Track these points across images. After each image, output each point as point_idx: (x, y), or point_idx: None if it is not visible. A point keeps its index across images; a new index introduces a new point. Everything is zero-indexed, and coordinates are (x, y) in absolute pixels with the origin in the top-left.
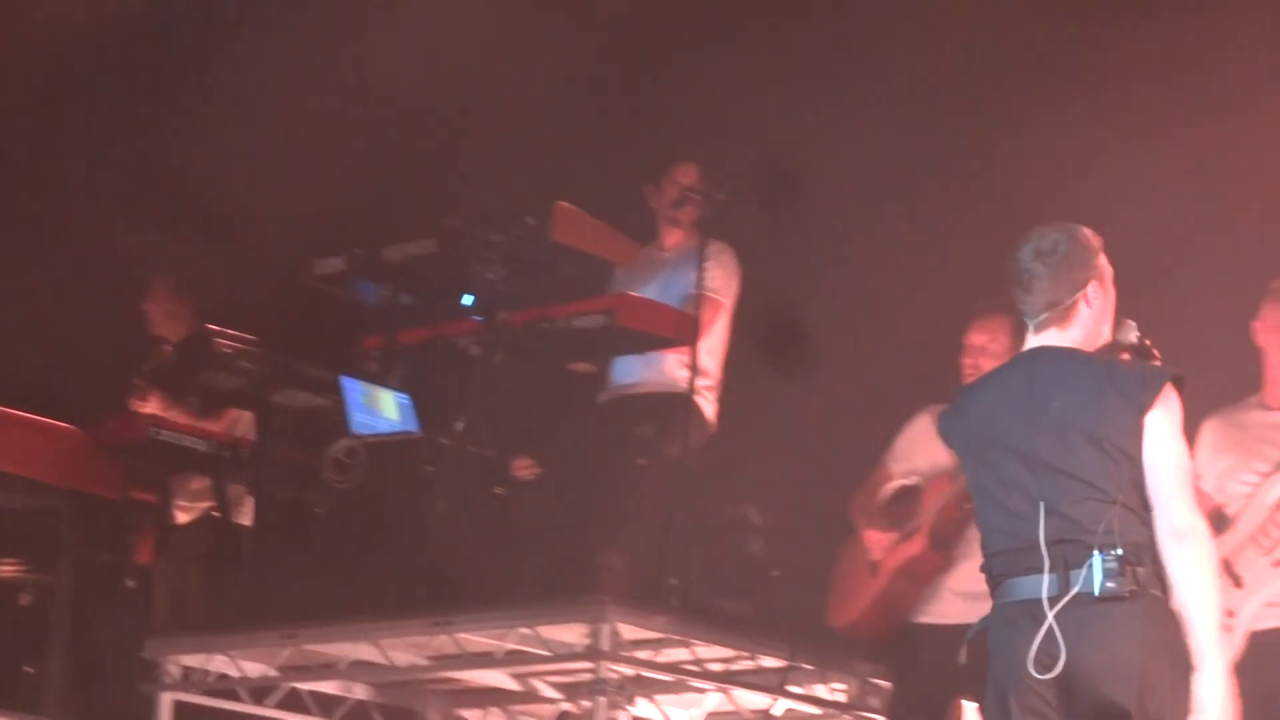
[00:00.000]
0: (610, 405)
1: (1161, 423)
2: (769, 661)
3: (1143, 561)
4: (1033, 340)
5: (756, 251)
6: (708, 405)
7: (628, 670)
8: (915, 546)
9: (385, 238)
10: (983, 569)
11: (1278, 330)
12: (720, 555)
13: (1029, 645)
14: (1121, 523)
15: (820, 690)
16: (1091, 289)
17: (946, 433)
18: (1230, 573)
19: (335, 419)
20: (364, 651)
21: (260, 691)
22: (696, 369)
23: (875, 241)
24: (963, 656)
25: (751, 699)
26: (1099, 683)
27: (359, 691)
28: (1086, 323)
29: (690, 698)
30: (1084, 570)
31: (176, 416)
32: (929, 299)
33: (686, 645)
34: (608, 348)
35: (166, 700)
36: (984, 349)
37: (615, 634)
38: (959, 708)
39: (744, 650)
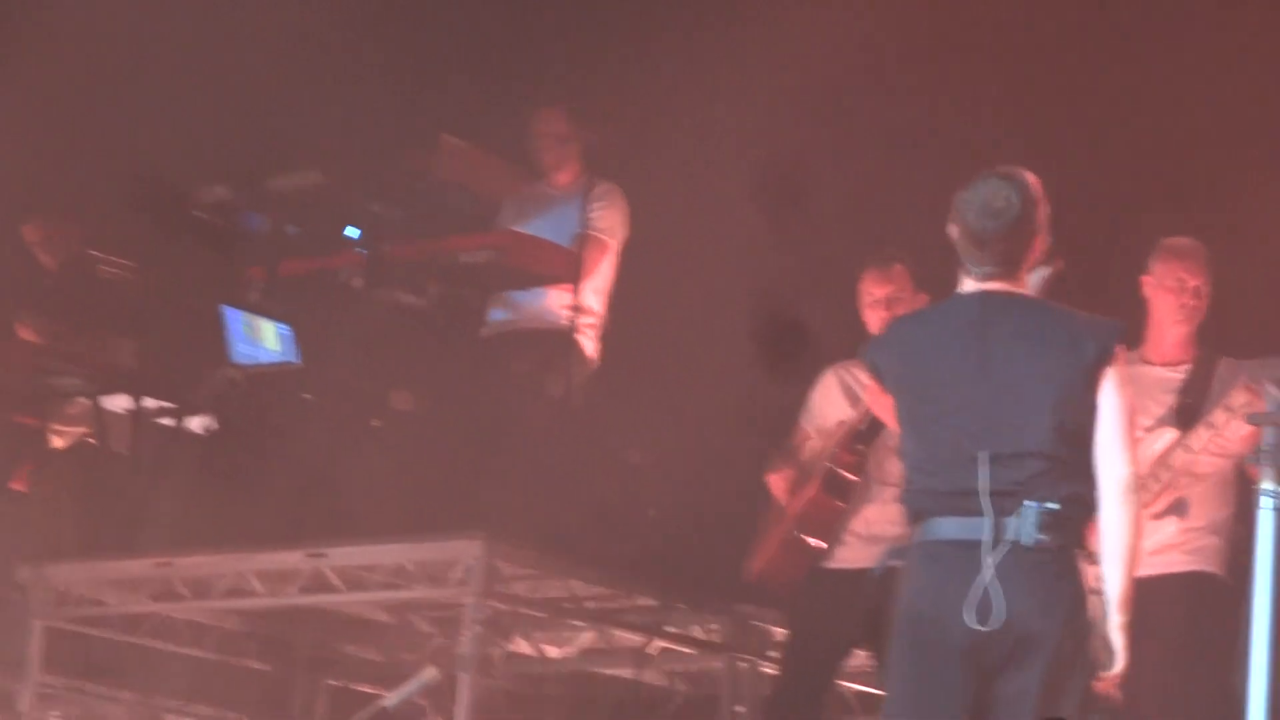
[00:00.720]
0: (492, 341)
1: (1113, 375)
2: (644, 601)
3: (1074, 515)
4: (974, 284)
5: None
6: (589, 343)
7: (504, 606)
8: (810, 491)
9: (270, 168)
10: (903, 501)
11: (1164, 286)
12: (598, 494)
13: (960, 589)
14: (1059, 475)
15: (695, 630)
16: (1038, 241)
17: (877, 364)
18: None
19: (216, 348)
20: (238, 581)
21: (133, 619)
22: (579, 307)
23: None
24: (870, 588)
25: (626, 637)
26: (1022, 631)
27: (232, 621)
28: (1027, 270)
29: (566, 635)
30: (1017, 520)
31: (55, 341)
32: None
33: (563, 582)
34: (493, 283)
35: (38, 626)
36: (895, 298)
37: (491, 569)
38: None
39: (619, 589)
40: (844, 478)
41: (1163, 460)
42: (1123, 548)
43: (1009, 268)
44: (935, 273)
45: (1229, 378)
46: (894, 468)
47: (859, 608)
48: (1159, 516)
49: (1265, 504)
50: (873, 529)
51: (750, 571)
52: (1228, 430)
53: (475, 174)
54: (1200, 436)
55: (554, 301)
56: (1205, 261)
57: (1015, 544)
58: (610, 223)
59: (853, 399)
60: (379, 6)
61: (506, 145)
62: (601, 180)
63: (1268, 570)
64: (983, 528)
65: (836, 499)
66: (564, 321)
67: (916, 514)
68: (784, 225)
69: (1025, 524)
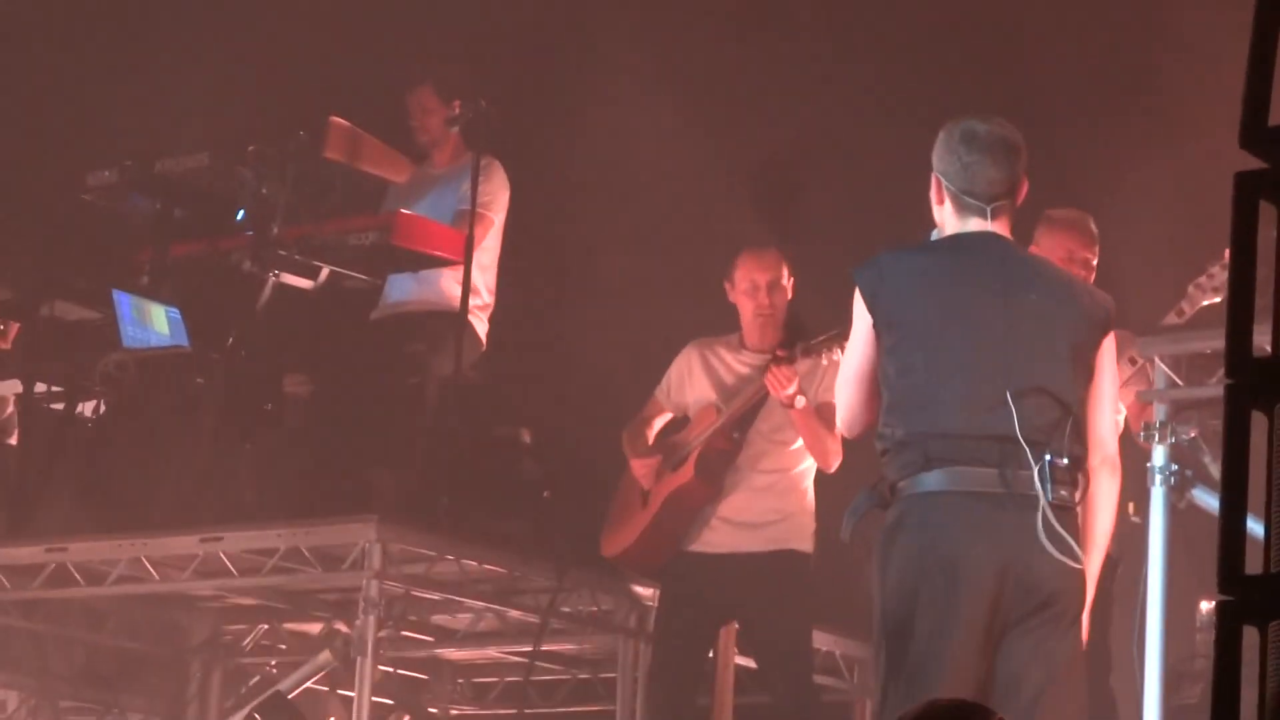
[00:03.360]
0: (382, 323)
1: (1110, 347)
2: (539, 581)
3: (1080, 475)
4: (983, 225)
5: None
6: (480, 324)
7: (398, 588)
8: (683, 476)
9: (158, 150)
10: (901, 444)
11: (1051, 255)
12: (491, 474)
13: (996, 541)
14: (1072, 430)
15: (590, 610)
16: (1025, 185)
17: (876, 290)
18: None
19: (105, 332)
20: (132, 566)
21: (27, 604)
22: (469, 288)
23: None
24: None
25: (521, 619)
26: (1047, 591)
27: (127, 606)
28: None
29: (461, 617)
30: (1041, 473)
31: None
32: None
33: (457, 564)
34: (381, 265)
35: None
36: (776, 284)
37: (385, 551)
38: (729, 634)
39: (514, 569)
40: (717, 463)
41: None
42: (1107, 524)
43: (1012, 200)
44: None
45: (1117, 350)
46: (769, 455)
47: (726, 590)
48: None
49: (1157, 481)
50: (742, 515)
51: (606, 552)
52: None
53: (363, 156)
54: None
55: (443, 282)
56: (1093, 233)
57: (1038, 498)
58: (491, 195)
59: (715, 381)
60: None
61: (393, 127)
62: (481, 155)
63: (1159, 548)
64: (1005, 480)
65: (709, 484)
66: (454, 302)
67: (929, 459)
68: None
69: (1048, 478)
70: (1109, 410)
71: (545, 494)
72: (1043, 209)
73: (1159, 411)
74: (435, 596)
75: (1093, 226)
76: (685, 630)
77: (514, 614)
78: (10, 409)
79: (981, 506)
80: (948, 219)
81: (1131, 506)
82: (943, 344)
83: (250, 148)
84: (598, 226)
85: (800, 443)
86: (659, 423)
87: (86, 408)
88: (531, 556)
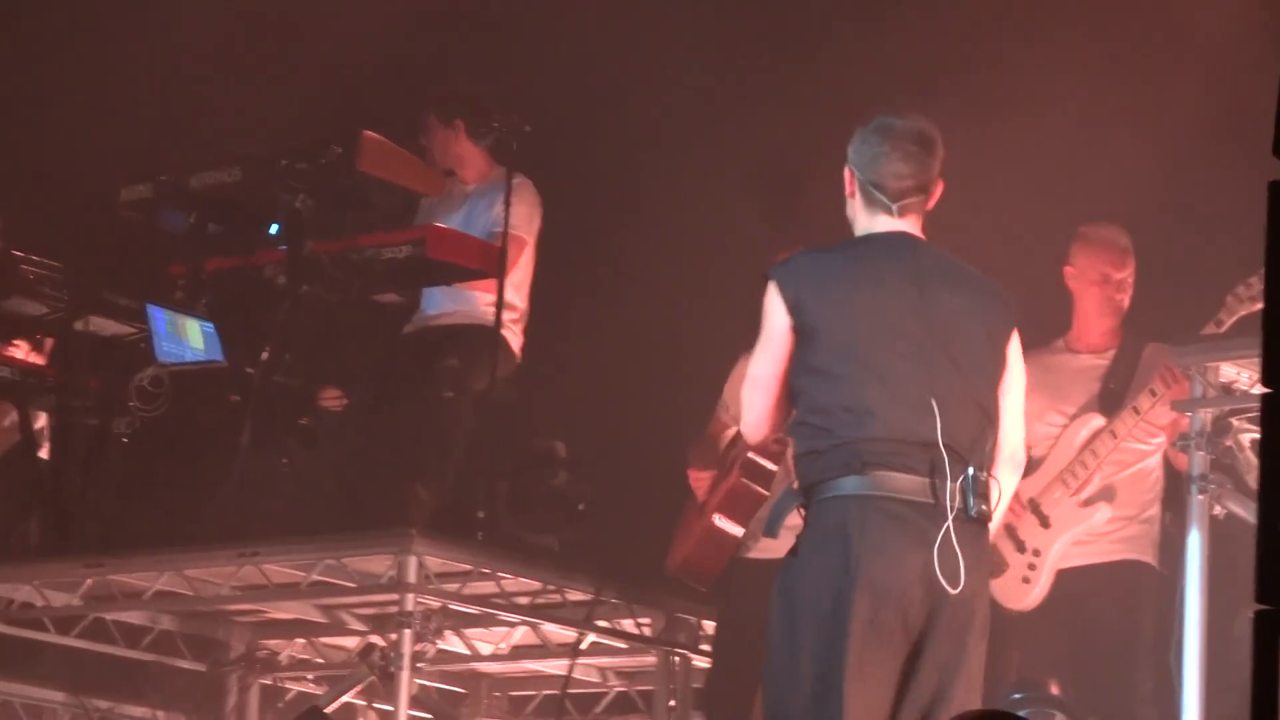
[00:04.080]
0: (416, 336)
1: (1018, 342)
2: (575, 595)
3: (994, 488)
4: (891, 223)
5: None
6: (514, 338)
7: (434, 603)
8: (731, 480)
9: (191, 165)
10: (828, 448)
11: (1085, 275)
12: (527, 488)
13: (919, 551)
14: (992, 433)
15: (627, 624)
16: (939, 187)
17: (795, 287)
18: (1038, 513)
19: (141, 347)
20: (169, 582)
21: (64, 621)
22: (503, 302)
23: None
24: (775, 531)
25: (558, 632)
26: (965, 598)
27: (165, 622)
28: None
29: (497, 631)
30: (960, 485)
31: None
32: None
33: (493, 578)
34: (415, 278)
35: None
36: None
37: (421, 566)
38: None
39: (550, 583)
40: (764, 466)
41: (1089, 447)
42: (999, 517)
43: (922, 198)
44: None
45: (1154, 362)
46: None
47: None
48: (1087, 504)
49: (1193, 490)
50: (794, 518)
51: (668, 567)
52: (1152, 415)
53: (396, 170)
54: (1126, 423)
55: (477, 297)
56: (1129, 249)
57: (961, 511)
58: (524, 217)
59: None
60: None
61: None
62: (513, 174)
63: (1197, 557)
64: (935, 490)
65: (758, 485)
66: (487, 316)
67: (864, 463)
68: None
69: (970, 491)
70: (1021, 407)
71: (581, 507)
72: (1079, 223)
73: (1195, 421)
74: (472, 610)
75: (1125, 241)
76: (744, 641)
77: (551, 627)
78: (11, 419)
79: (910, 514)
80: (858, 213)
81: (1168, 516)
82: (863, 347)
83: (283, 162)
84: (631, 238)
85: None
86: (727, 435)
87: (122, 423)
88: (568, 570)
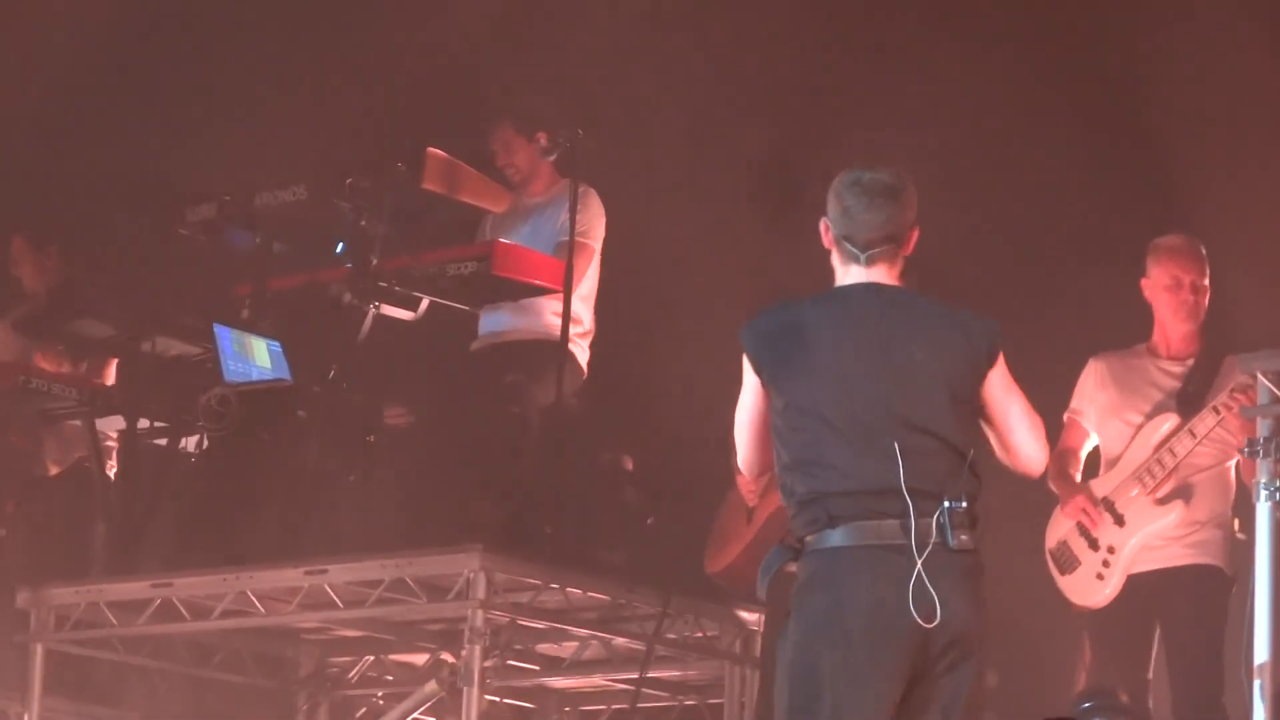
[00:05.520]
0: (483, 353)
1: (1004, 367)
2: (643, 608)
3: (978, 516)
4: (861, 274)
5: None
6: (581, 353)
7: (502, 617)
8: None
9: (256, 184)
10: (804, 503)
11: (1161, 285)
12: (594, 502)
13: (898, 591)
14: (968, 475)
15: (696, 637)
16: (915, 232)
17: (760, 353)
18: (1112, 511)
19: (207, 367)
20: (238, 600)
21: (134, 641)
22: (570, 316)
23: None
24: (761, 593)
25: (627, 646)
26: (956, 631)
27: (233, 640)
28: (900, 265)
29: (566, 645)
30: (937, 520)
31: (46, 364)
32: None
33: (562, 592)
34: (480, 295)
35: (40, 650)
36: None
37: (490, 581)
38: None
39: (619, 597)
40: None
41: (1166, 445)
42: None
43: (895, 250)
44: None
45: (1235, 369)
46: None
47: None
48: (1162, 502)
49: (1262, 497)
50: None
51: (711, 569)
52: (1231, 418)
53: (460, 186)
54: (1206, 422)
55: (543, 311)
56: (1201, 256)
57: (940, 544)
58: (589, 225)
59: None
60: (361, 20)
61: (489, 157)
62: (578, 184)
63: (1266, 564)
64: (907, 529)
65: None
66: (553, 331)
67: (831, 517)
68: (778, 222)
69: (946, 524)
70: (1028, 415)
71: (649, 520)
72: (1153, 236)
73: (1263, 427)
74: (540, 625)
75: (1196, 248)
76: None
77: (619, 641)
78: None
79: (887, 557)
80: (836, 266)
81: (1237, 523)
82: (827, 404)
83: (348, 180)
84: (695, 250)
85: None
86: None
87: (189, 443)
88: (636, 583)
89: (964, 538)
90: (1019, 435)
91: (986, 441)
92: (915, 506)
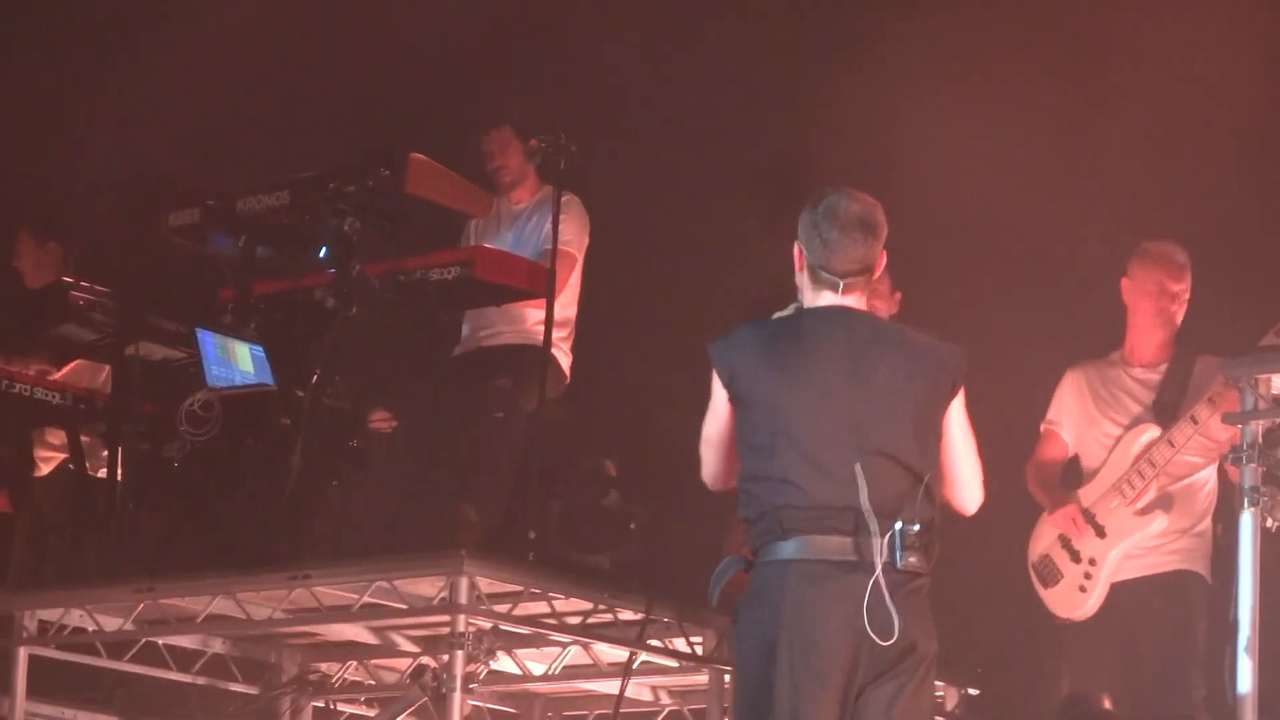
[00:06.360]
0: (466, 358)
1: (962, 401)
2: (627, 614)
3: (933, 540)
4: (834, 298)
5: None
6: (563, 358)
7: (485, 623)
8: None
9: (239, 189)
10: (760, 515)
11: (1144, 291)
12: (577, 508)
13: (847, 609)
14: (922, 500)
15: (679, 643)
16: (884, 256)
17: (733, 369)
18: (1093, 522)
19: (190, 371)
20: (221, 605)
21: (117, 645)
22: (552, 322)
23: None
24: (713, 601)
25: (610, 652)
26: (902, 647)
27: (216, 645)
28: (867, 291)
29: (549, 651)
30: (890, 540)
31: (29, 368)
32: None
33: (545, 598)
34: (464, 300)
35: (23, 655)
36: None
37: (473, 587)
38: None
39: (602, 603)
40: None
41: (1145, 456)
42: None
43: (866, 277)
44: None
45: (1207, 374)
46: None
47: None
48: (1143, 513)
49: (1245, 503)
50: None
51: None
52: (1210, 426)
53: (444, 191)
54: (1184, 432)
55: (526, 317)
56: (1186, 266)
57: (889, 565)
58: (574, 233)
59: None
60: (345, 24)
61: (473, 162)
62: (561, 192)
63: (1249, 570)
64: (858, 547)
65: None
66: (536, 336)
67: (786, 530)
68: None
69: (898, 546)
70: (973, 459)
71: (632, 526)
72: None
73: (1246, 433)
74: (524, 630)
75: (1183, 258)
76: None
77: (602, 647)
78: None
79: (835, 573)
80: (805, 287)
81: (1219, 528)
82: (793, 421)
83: (331, 185)
84: (682, 256)
85: None
86: None
87: (172, 448)
88: (619, 589)
89: (913, 560)
90: (964, 471)
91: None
92: (868, 526)
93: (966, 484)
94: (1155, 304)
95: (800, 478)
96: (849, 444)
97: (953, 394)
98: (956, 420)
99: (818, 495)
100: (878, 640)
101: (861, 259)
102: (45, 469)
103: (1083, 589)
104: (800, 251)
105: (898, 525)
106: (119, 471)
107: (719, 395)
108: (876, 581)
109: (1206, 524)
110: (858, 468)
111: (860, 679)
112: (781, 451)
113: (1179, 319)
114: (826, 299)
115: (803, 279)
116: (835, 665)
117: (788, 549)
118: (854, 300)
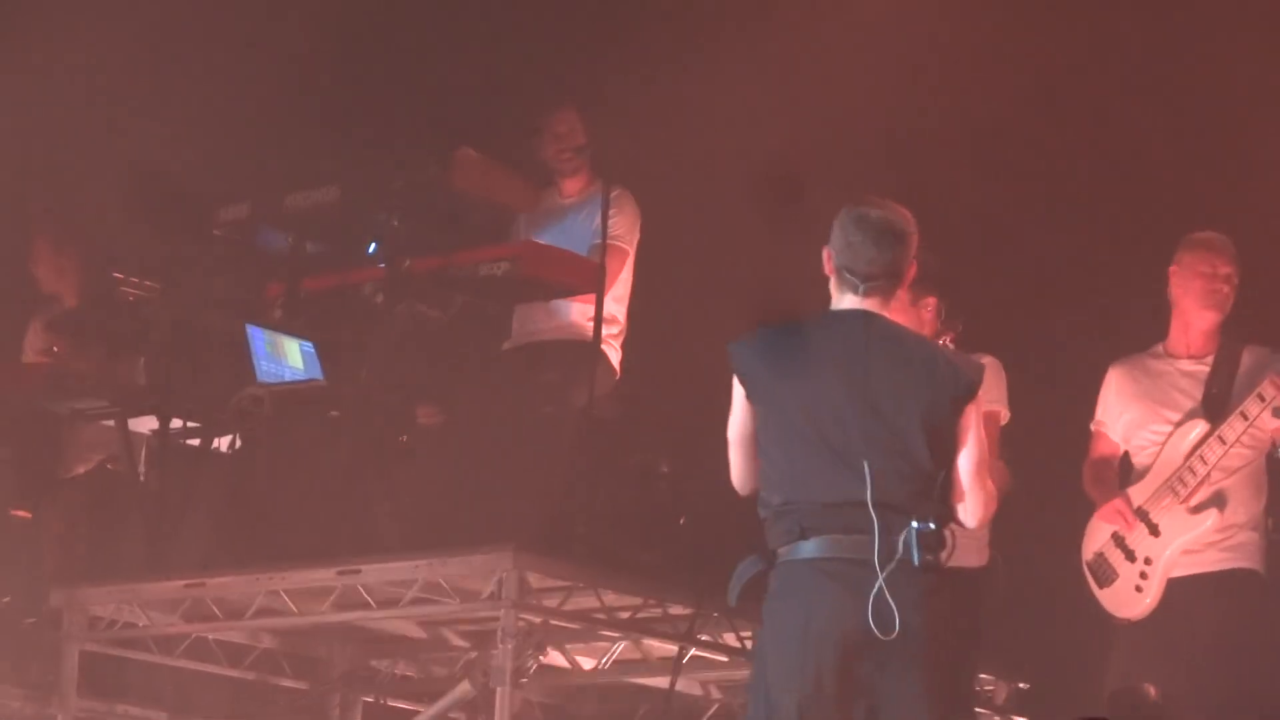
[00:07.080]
0: (515, 353)
1: (974, 415)
2: (676, 609)
3: (946, 540)
4: (856, 302)
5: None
6: (613, 353)
7: (535, 618)
8: None
9: (289, 185)
10: (778, 515)
11: (1195, 272)
12: (627, 503)
13: (859, 603)
14: (935, 495)
15: (728, 638)
16: (914, 267)
17: (749, 371)
18: (1147, 520)
19: (240, 367)
20: (271, 600)
21: (167, 641)
22: (602, 317)
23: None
24: (733, 600)
25: (659, 647)
26: (911, 641)
27: (266, 640)
28: (893, 300)
29: (598, 646)
30: (904, 538)
31: (79, 365)
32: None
33: (594, 593)
34: (512, 295)
35: (73, 650)
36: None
37: (522, 582)
38: None
39: (652, 598)
40: None
41: (1196, 453)
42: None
43: (892, 285)
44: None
45: (1256, 366)
46: None
47: None
48: (1197, 510)
49: None
50: None
51: None
52: (1262, 420)
53: (492, 186)
54: (1235, 428)
55: (575, 312)
56: (1234, 254)
57: (905, 561)
58: (625, 228)
59: None
60: (393, 22)
61: (521, 157)
62: (613, 185)
63: None
64: (873, 545)
65: None
66: (586, 332)
67: (804, 530)
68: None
69: (913, 543)
70: (979, 474)
71: (681, 521)
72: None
73: None
74: (573, 625)
75: (1232, 248)
76: None
77: (652, 642)
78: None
79: (854, 571)
80: (833, 290)
81: (1271, 521)
82: (809, 421)
83: (380, 181)
84: (732, 251)
85: None
86: None
87: (222, 443)
88: (669, 584)
89: (929, 558)
90: (965, 483)
91: None
92: (884, 524)
93: (967, 496)
94: (1207, 285)
95: (816, 478)
96: (861, 445)
97: (965, 402)
98: (967, 432)
99: (833, 495)
100: (883, 635)
101: (885, 263)
102: (85, 467)
103: (1139, 588)
104: (829, 254)
105: (914, 524)
106: (168, 466)
107: (739, 396)
108: (890, 577)
109: (1261, 518)
110: (867, 467)
111: (876, 675)
112: (797, 451)
113: (1229, 305)
114: (849, 302)
115: (832, 283)
116: (851, 659)
117: (808, 548)
118: (876, 305)
